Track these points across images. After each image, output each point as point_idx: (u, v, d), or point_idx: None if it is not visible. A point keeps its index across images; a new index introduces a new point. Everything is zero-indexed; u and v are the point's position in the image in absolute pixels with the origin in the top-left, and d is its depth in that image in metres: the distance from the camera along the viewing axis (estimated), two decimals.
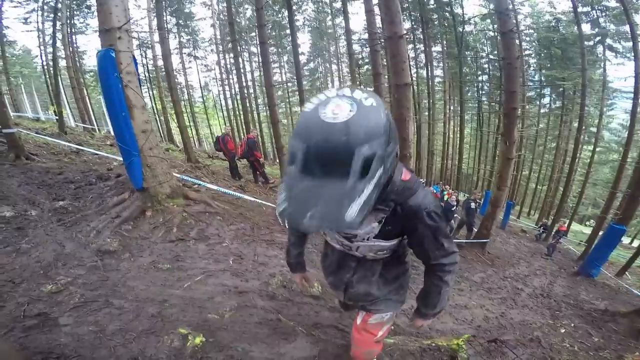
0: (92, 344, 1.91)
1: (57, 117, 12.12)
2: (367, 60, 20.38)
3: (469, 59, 21.34)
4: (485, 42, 21.03)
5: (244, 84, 13.65)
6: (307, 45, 29.02)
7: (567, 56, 18.04)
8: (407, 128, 4.86)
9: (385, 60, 12.19)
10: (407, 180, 1.00)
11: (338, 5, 22.10)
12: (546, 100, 22.69)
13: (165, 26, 15.30)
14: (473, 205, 8.88)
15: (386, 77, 11.45)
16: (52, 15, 18.06)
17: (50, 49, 20.33)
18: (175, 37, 25.93)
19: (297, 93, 11.58)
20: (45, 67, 21.76)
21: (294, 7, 17.90)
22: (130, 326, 2.11)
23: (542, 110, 23.21)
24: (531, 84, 21.37)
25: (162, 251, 3.30)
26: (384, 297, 1.36)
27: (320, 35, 26.19)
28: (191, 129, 23.35)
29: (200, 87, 31.89)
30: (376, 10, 8.44)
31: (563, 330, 4.11)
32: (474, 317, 4.24)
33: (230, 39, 14.82)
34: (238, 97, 22.42)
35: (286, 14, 11.26)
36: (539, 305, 5.42)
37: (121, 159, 4.00)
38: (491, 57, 20.10)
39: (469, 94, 23.93)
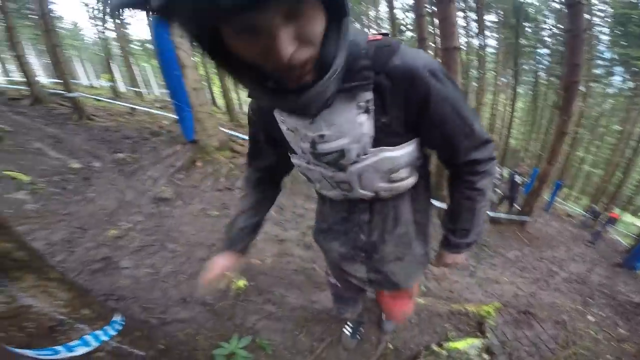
0: (148, 285, 2.16)
1: (111, 83, 12.91)
2: (409, 27, 19.17)
3: (528, 29, 19.47)
4: (548, 14, 18.95)
5: None
6: None
7: None
8: None
9: (430, 26, 11.52)
10: (378, 39, 0.65)
11: None
12: (617, 79, 20.34)
13: None
14: (518, 178, 8.47)
15: (431, 44, 10.85)
16: None
17: (98, 22, 21.42)
18: None
19: None
20: (98, 38, 22.85)
21: None
22: (182, 269, 2.37)
23: (609, 90, 20.96)
24: (600, 61, 19.19)
25: (211, 199, 3.58)
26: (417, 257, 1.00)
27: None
28: (234, 92, 23.88)
29: None
30: None
31: (591, 318, 4.02)
32: (503, 292, 4.23)
33: None
34: None
35: None
36: (571, 290, 5.29)
37: (171, 116, 4.27)
38: (554, 29, 18.18)
39: (525, 67, 22.02)
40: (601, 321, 3.95)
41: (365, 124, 0.69)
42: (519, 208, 8.68)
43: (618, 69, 19.26)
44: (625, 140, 19.38)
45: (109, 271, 2.27)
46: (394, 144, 0.73)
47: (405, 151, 0.75)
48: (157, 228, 2.95)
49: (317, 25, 0.48)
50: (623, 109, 20.41)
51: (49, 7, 8.69)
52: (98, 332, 0.81)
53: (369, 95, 0.65)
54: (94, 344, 0.78)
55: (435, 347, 2.00)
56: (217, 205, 3.48)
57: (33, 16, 17.66)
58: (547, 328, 2.72)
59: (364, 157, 0.74)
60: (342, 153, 0.74)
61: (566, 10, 6.57)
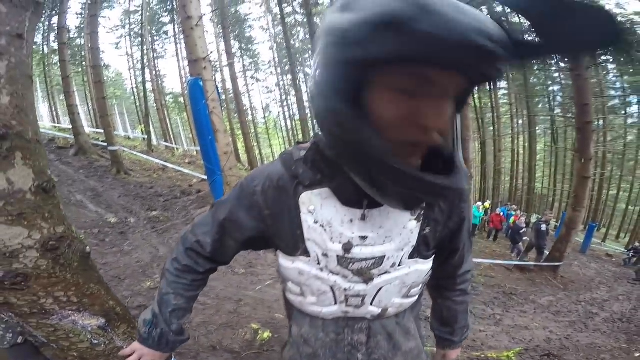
0: None
1: (145, 136, 13.88)
2: None
3: (536, 69, 19.70)
4: None
5: (303, 104, 14.37)
6: None
7: None
8: (467, 148, 4.88)
9: None
10: None
11: None
12: (634, 109, 19.70)
13: (231, 51, 16.88)
14: (544, 227, 8.24)
15: None
16: (138, 39, 20.99)
17: (138, 73, 23.63)
18: (239, 60, 27.86)
19: None
20: (135, 89, 25.09)
21: None
22: (212, 320, 2.55)
23: (630, 121, 20.16)
24: (613, 92, 18.86)
25: (238, 258, 3.80)
26: None
27: None
28: (255, 149, 24.79)
29: (262, 108, 34.00)
30: None
31: (637, 354, 3.76)
32: (533, 337, 4.05)
33: (287, 61, 15.60)
34: (296, 117, 23.18)
35: None
36: (614, 330, 4.96)
37: (199, 176, 4.61)
38: (561, 65, 18.38)
39: (539, 106, 21.89)
40: None
41: (414, 232, 0.66)
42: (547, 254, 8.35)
43: (634, 99, 18.63)
44: None
45: None
46: (426, 257, 0.72)
47: (431, 264, 0.74)
48: None
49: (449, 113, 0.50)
50: None
51: (100, 58, 9.57)
52: None
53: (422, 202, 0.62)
54: None
55: None
56: (244, 264, 3.76)
57: (83, 64, 19.47)
58: None
59: (398, 267, 0.69)
60: (380, 261, 0.67)
61: None
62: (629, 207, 22.90)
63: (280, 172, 0.68)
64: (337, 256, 0.66)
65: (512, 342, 3.78)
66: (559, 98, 20.41)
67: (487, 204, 13.06)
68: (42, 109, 25.35)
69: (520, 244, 9.07)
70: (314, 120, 0.55)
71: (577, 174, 7.07)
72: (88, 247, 1.00)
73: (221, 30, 17.95)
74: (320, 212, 0.63)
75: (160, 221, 4.65)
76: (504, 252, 9.92)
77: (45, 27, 18.85)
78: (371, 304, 0.73)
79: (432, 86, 0.44)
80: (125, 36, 23.84)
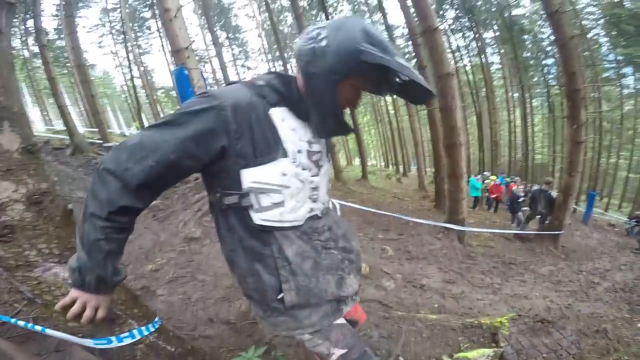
0: (180, 308, 2.46)
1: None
2: (413, 54, 20.06)
3: (527, 42, 19.59)
4: (543, 23, 19.10)
5: None
6: None
7: None
8: (455, 117, 4.90)
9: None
10: None
11: (374, 2, 21.76)
12: (629, 80, 19.78)
13: (218, 41, 16.73)
14: (554, 194, 8.15)
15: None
16: (121, 37, 20.87)
17: (125, 70, 23.48)
18: (228, 50, 27.72)
19: None
20: (125, 87, 24.84)
21: (330, 9, 18.11)
22: (210, 295, 2.66)
23: (626, 91, 20.30)
24: (607, 63, 18.86)
25: None
26: None
27: None
28: None
29: None
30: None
31: None
32: (533, 306, 4.09)
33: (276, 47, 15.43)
34: None
35: (323, 16, 11.71)
36: (616, 300, 4.97)
37: None
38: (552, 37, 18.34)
39: (534, 79, 21.85)
40: None
41: (322, 141, 1.02)
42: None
43: (629, 70, 18.74)
44: None
45: (147, 298, 2.57)
46: (328, 160, 1.09)
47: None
48: (188, 262, 3.29)
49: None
50: None
51: (83, 57, 9.54)
52: (142, 328, 1.04)
53: None
54: (138, 336, 1.01)
55: (445, 358, 2.08)
56: None
57: (68, 65, 19.45)
58: (566, 334, 2.69)
59: (326, 160, 1.05)
60: (322, 155, 1.02)
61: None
62: (630, 175, 22.86)
63: (248, 93, 0.86)
64: (307, 150, 0.94)
65: (510, 310, 3.78)
66: (553, 70, 20.47)
67: (494, 177, 12.79)
68: (33, 113, 25.40)
69: (520, 213, 9.05)
70: (297, 63, 0.89)
71: (570, 139, 7.05)
72: (70, 205, 1.06)
73: (206, 21, 17.79)
74: (288, 121, 0.90)
75: (160, 209, 4.75)
76: (504, 223, 9.95)
77: (22, 31, 18.94)
78: (321, 199, 1.03)
79: (364, 86, 0.91)
80: (106, 34, 23.66)
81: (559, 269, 6.42)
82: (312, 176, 0.97)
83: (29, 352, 1.68)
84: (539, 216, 8.37)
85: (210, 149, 0.80)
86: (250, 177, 0.84)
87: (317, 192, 1.00)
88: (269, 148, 0.85)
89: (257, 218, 0.88)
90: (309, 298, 0.95)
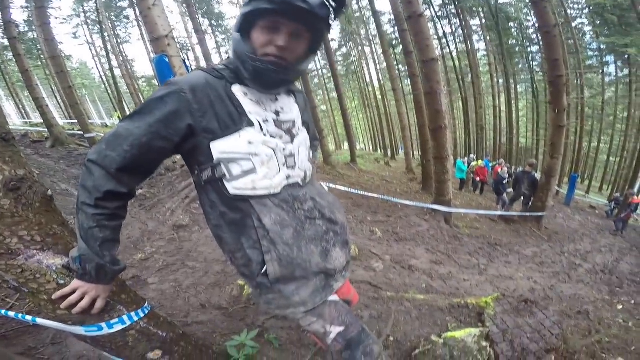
0: (172, 296, 2.45)
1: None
2: (400, 40, 20.11)
3: (513, 30, 19.85)
4: (529, 11, 19.29)
5: None
6: (336, 31, 28.31)
7: (625, 22, 16.04)
8: (440, 100, 4.96)
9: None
10: None
11: None
12: (611, 68, 20.83)
13: (201, 28, 16.32)
14: (537, 175, 8.35)
15: None
16: (97, 27, 20.24)
17: (104, 60, 22.73)
18: (211, 37, 27.06)
19: (332, 79, 11.57)
20: (103, 77, 24.08)
21: None
22: (201, 281, 2.65)
23: (608, 79, 21.21)
24: (590, 51, 19.39)
25: None
26: None
27: (348, 19, 25.72)
28: None
29: None
30: None
31: (620, 307, 3.92)
32: (517, 287, 4.20)
33: None
34: None
35: None
36: (597, 282, 5.16)
37: None
38: (537, 26, 18.68)
39: (519, 66, 22.23)
40: (633, 309, 3.81)
41: (294, 110, 1.06)
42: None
43: (610, 58, 19.44)
44: (636, 125, 19.12)
45: (138, 287, 2.56)
46: (306, 129, 1.12)
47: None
48: (177, 250, 3.26)
49: (301, 49, 0.92)
50: (626, 95, 20.26)
51: (58, 48, 9.18)
52: (132, 314, 1.04)
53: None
54: (128, 322, 1.01)
55: (434, 338, 2.12)
56: None
57: (42, 57, 19.01)
58: (549, 315, 2.80)
59: (301, 129, 1.07)
60: (294, 123, 1.05)
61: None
62: (610, 159, 23.65)
63: (204, 76, 0.91)
64: (274, 120, 0.98)
65: (496, 291, 3.85)
66: (538, 58, 20.90)
67: (480, 162, 13.17)
68: (8, 107, 24.46)
69: (505, 195, 9.24)
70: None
71: (552, 123, 7.29)
72: (50, 191, 1.02)
73: (186, 9, 17.25)
74: (251, 95, 0.94)
75: (147, 198, 4.67)
76: (489, 205, 10.17)
77: None
78: (299, 167, 1.03)
79: (282, 26, 0.85)
80: (81, 25, 22.93)
81: (542, 250, 6.60)
82: (285, 143, 1.00)
83: (25, 346, 1.68)
84: (523, 197, 8.58)
85: (178, 129, 0.87)
86: (218, 148, 0.89)
87: (294, 159, 1.01)
88: (233, 121, 0.90)
89: (231, 187, 0.92)
90: (293, 270, 0.97)
